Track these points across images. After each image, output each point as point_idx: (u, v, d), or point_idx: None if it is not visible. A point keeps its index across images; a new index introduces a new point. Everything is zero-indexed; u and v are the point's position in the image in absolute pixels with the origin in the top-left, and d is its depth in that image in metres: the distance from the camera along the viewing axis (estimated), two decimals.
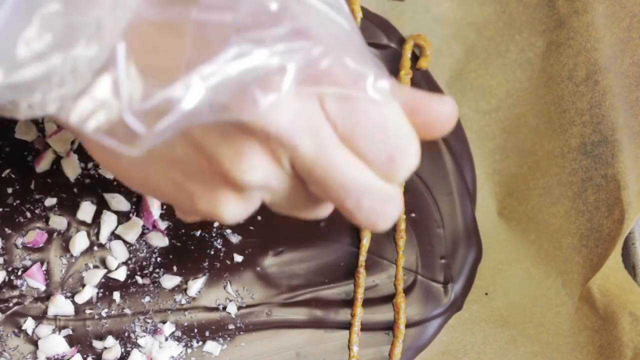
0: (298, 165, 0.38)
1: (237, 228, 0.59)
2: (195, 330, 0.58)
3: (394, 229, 0.60)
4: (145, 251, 0.58)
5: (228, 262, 0.58)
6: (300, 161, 0.38)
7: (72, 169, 0.58)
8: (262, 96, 0.36)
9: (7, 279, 0.57)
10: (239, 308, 0.58)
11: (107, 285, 0.57)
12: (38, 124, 0.58)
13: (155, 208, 0.58)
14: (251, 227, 0.59)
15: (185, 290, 0.58)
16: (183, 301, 0.58)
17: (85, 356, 0.56)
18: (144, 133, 0.36)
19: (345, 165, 0.38)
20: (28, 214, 0.57)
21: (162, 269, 0.58)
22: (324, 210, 0.43)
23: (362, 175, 0.39)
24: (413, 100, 0.40)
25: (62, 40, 0.35)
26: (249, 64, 0.36)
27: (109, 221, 0.58)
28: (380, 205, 0.39)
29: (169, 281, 0.58)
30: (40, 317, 0.56)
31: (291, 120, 0.37)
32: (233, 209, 0.40)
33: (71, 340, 0.56)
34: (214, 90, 0.35)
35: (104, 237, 0.58)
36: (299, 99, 0.37)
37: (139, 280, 0.58)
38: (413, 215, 0.61)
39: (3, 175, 0.58)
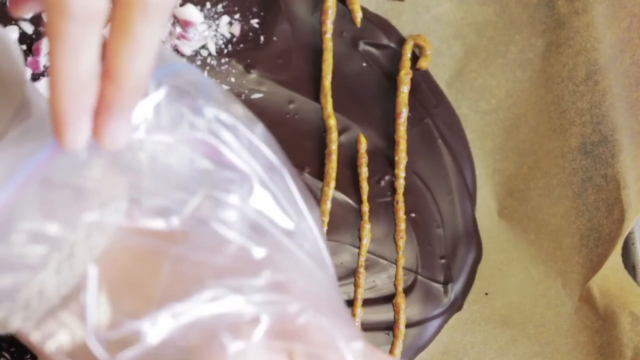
0: None
1: None
2: None
3: (394, 229, 0.60)
4: None
5: None
6: None
7: None
8: (230, 342, 0.36)
9: None
10: None
11: None
12: None
13: None
14: None
15: None
16: None
17: None
18: None
19: None
20: None
21: None
22: None
23: None
24: None
25: (37, 254, 0.35)
26: (223, 309, 0.36)
27: None
28: None
29: None
30: None
31: None
32: None
33: None
34: (184, 330, 0.36)
35: None
36: (268, 352, 0.37)
37: None
38: (413, 215, 0.61)
39: None
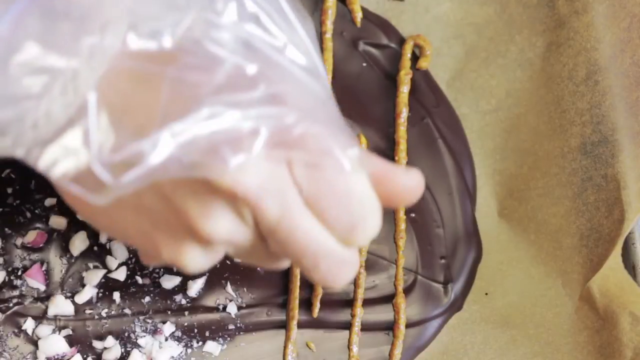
0: (262, 226, 0.39)
1: None
2: (195, 331, 0.58)
3: (394, 229, 0.60)
4: None
5: (228, 262, 0.58)
6: (265, 222, 0.39)
7: None
8: (231, 156, 0.36)
9: (7, 279, 0.57)
10: (239, 308, 0.58)
11: (107, 286, 0.57)
12: None
13: None
14: None
15: (185, 290, 0.58)
16: (183, 301, 0.58)
17: (85, 356, 0.56)
18: (111, 183, 0.36)
19: (306, 229, 0.39)
20: (28, 214, 0.57)
21: (162, 269, 0.58)
22: (284, 264, 0.44)
23: (322, 240, 0.40)
24: (381, 171, 0.41)
25: (38, 84, 0.35)
26: (222, 125, 0.36)
27: None
28: (336, 267, 0.41)
29: (169, 281, 0.58)
30: (40, 317, 0.56)
31: (258, 183, 0.38)
32: (197, 260, 0.41)
33: (71, 340, 0.56)
34: (184, 148, 0.36)
35: (103, 237, 0.58)
36: (268, 162, 0.38)
37: (139, 280, 0.58)
38: (413, 215, 0.61)
39: (3, 175, 0.58)
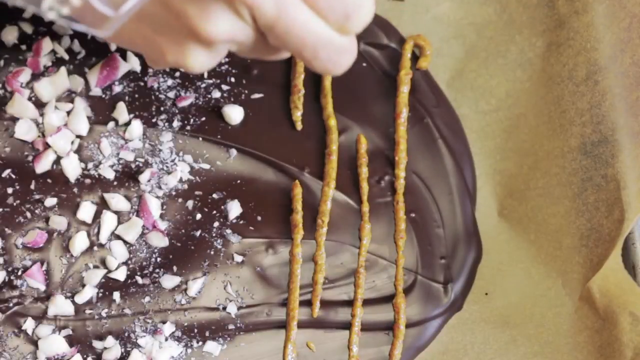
0: (260, 22, 0.41)
1: (237, 228, 0.59)
2: (195, 331, 0.58)
3: (394, 229, 0.60)
4: (145, 251, 0.58)
5: (228, 262, 0.58)
6: (263, 18, 0.41)
7: (72, 169, 0.58)
8: None
9: (7, 279, 0.57)
10: (239, 308, 0.58)
11: (107, 286, 0.57)
12: (38, 124, 0.58)
13: (155, 208, 0.58)
14: (251, 227, 0.59)
15: (185, 290, 0.58)
16: (183, 301, 0.58)
17: (85, 356, 0.56)
18: (112, 15, 0.39)
19: (303, 21, 0.42)
20: (28, 214, 0.57)
21: (162, 269, 0.58)
22: (284, 54, 0.47)
23: (319, 30, 0.42)
24: None
25: None
26: None
27: (108, 221, 0.58)
28: (335, 55, 0.44)
29: (169, 281, 0.58)
30: (40, 317, 0.56)
31: None
32: (200, 60, 0.44)
33: (71, 340, 0.56)
34: None
35: (104, 237, 0.58)
36: None
37: (139, 280, 0.58)
38: (413, 215, 0.61)
39: (3, 175, 0.58)
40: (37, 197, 0.58)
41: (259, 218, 0.59)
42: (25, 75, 0.59)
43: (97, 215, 0.58)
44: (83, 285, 0.57)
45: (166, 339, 0.57)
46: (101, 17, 0.39)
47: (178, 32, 0.42)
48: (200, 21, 0.41)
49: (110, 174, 0.58)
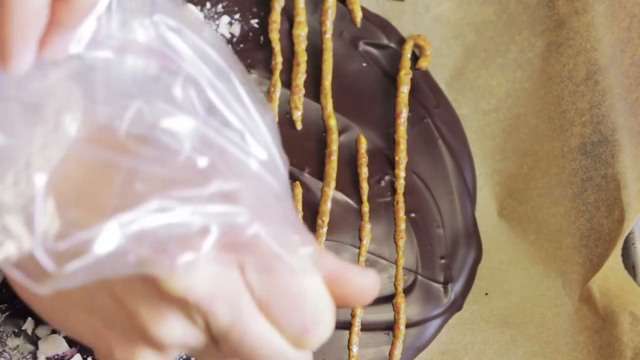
0: (213, 330, 0.39)
1: None
2: None
3: (394, 229, 0.60)
4: None
5: None
6: (216, 326, 0.39)
7: None
8: (180, 254, 0.36)
9: (7, 279, 0.57)
10: None
11: None
12: None
13: None
14: None
15: None
16: None
17: (85, 356, 0.56)
18: (54, 272, 0.36)
19: (258, 333, 0.39)
20: None
21: None
22: None
23: (274, 343, 0.40)
24: (336, 271, 0.41)
25: None
26: (171, 220, 0.36)
27: None
28: None
29: None
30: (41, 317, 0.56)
31: (209, 288, 0.37)
32: None
33: (71, 340, 0.56)
34: (132, 241, 0.36)
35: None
36: (219, 265, 0.38)
37: None
38: (413, 215, 0.61)
39: None
40: None
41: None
42: None
43: None
44: None
45: None
46: (43, 271, 0.36)
47: (129, 330, 0.39)
48: (152, 324, 0.38)
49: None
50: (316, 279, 0.40)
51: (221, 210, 0.37)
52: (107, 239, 0.35)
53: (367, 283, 0.42)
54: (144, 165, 0.37)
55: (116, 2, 0.38)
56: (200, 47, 0.39)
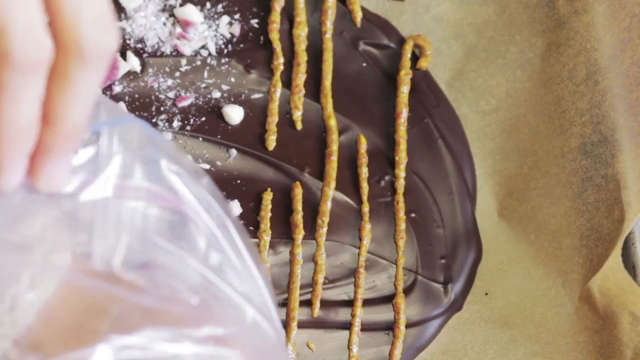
0: None
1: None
2: None
3: (394, 229, 0.60)
4: None
5: None
6: None
7: None
8: None
9: None
10: None
11: None
12: None
13: None
14: (251, 227, 0.59)
15: None
16: None
17: None
18: None
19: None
20: None
21: None
22: None
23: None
24: None
25: None
26: (163, 353, 0.36)
27: None
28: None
29: None
30: None
31: None
32: None
33: None
34: None
35: None
36: None
37: None
38: (413, 215, 0.61)
39: None
40: None
41: (259, 218, 0.59)
42: None
43: None
44: None
45: None
46: None
47: None
48: None
49: None
50: None
51: (213, 353, 0.37)
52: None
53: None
54: (138, 298, 0.37)
55: (117, 140, 0.38)
56: (200, 193, 0.40)
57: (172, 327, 0.36)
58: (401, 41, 0.63)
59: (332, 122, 0.61)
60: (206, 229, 0.39)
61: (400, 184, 0.61)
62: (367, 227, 0.60)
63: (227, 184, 0.59)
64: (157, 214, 0.39)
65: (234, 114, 0.60)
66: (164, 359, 0.36)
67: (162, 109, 0.60)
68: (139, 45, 0.61)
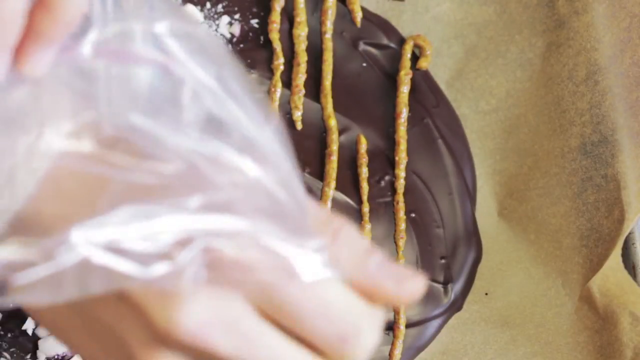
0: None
1: None
2: None
3: (394, 229, 0.60)
4: None
5: None
6: (220, 358, 0.34)
7: None
8: (153, 264, 0.32)
9: None
10: None
11: None
12: None
13: None
14: None
15: None
16: None
17: None
18: (11, 282, 0.33)
19: (276, 355, 0.34)
20: None
21: None
22: None
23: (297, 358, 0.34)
24: (376, 277, 0.36)
25: None
26: (148, 230, 0.33)
27: None
28: None
29: None
30: None
31: (202, 319, 0.33)
32: None
33: None
34: (101, 251, 0.32)
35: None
36: (212, 290, 0.34)
37: None
38: (413, 215, 0.61)
39: None
40: None
41: None
42: None
43: None
44: None
45: None
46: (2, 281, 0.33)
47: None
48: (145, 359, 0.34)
49: None
50: (332, 282, 0.35)
51: (210, 221, 0.33)
52: (71, 247, 0.32)
53: (409, 290, 0.36)
54: (122, 174, 0.34)
55: (112, 4, 0.37)
56: (199, 51, 0.37)
57: (160, 197, 0.33)
58: (401, 41, 0.63)
59: (332, 122, 0.61)
60: (208, 91, 0.36)
61: (400, 184, 0.61)
62: (367, 227, 0.60)
63: None
64: (157, 82, 0.36)
65: None
66: (150, 234, 0.33)
67: None
68: None
